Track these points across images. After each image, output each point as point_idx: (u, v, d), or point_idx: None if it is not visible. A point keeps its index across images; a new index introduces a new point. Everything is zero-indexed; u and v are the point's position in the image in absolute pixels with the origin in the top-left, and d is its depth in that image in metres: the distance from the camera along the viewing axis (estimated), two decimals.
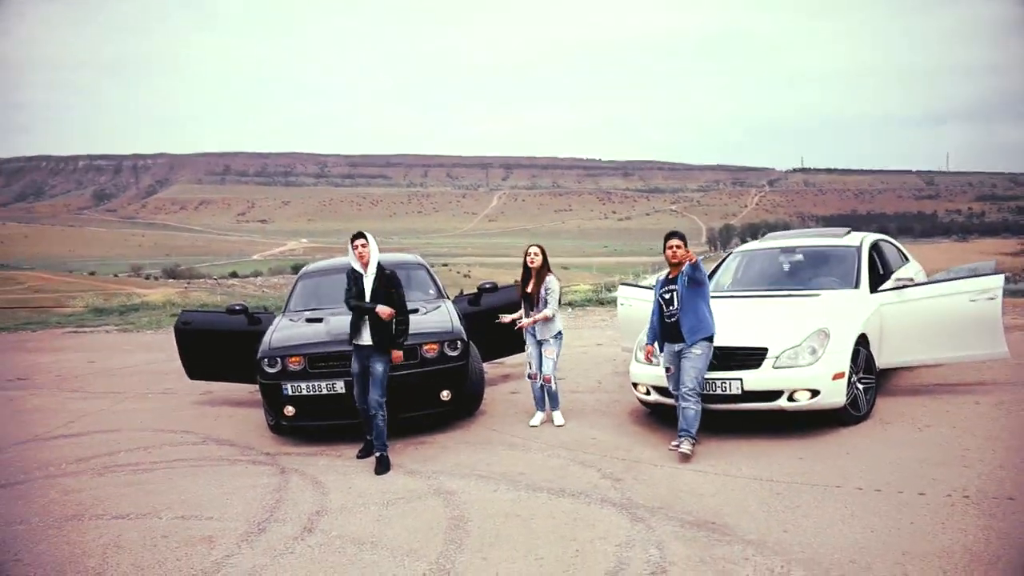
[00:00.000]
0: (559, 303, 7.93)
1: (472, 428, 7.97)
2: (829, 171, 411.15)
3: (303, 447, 7.57)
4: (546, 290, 7.79)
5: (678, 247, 6.68)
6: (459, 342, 7.72)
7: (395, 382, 7.19)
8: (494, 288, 9.50)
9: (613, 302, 17.57)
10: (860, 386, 7.21)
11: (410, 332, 7.38)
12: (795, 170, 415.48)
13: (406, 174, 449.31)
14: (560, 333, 7.91)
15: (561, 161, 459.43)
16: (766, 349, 6.86)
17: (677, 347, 6.71)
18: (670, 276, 6.82)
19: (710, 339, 6.68)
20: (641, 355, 7.54)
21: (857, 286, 8.08)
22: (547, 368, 7.83)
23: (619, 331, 10.09)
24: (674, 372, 6.80)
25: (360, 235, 7.04)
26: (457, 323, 7.99)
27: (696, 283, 6.62)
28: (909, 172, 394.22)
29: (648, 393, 7.47)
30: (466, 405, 8.21)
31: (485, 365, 9.45)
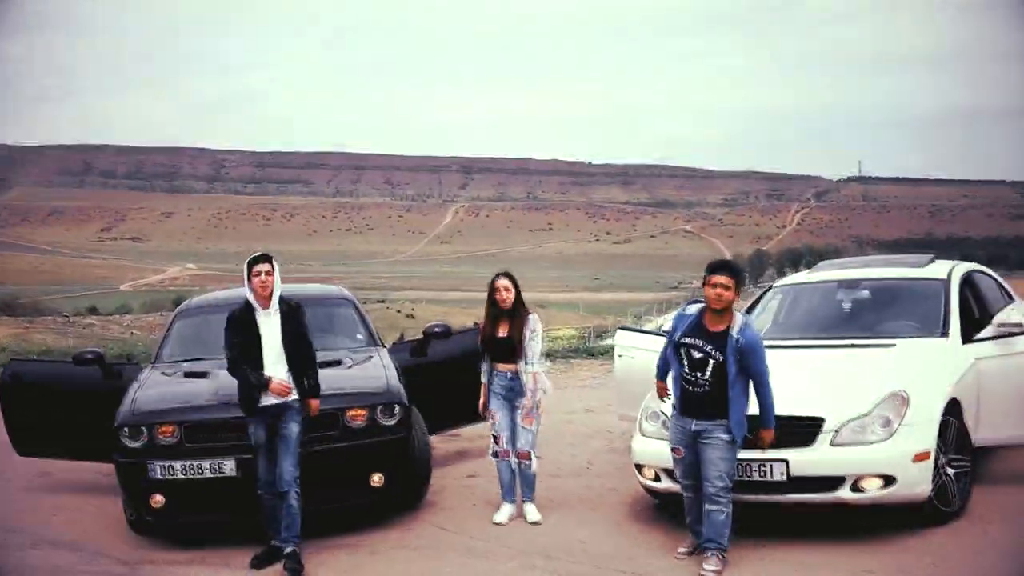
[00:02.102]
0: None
1: (414, 525, 7.89)
2: (896, 180, 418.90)
3: (175, 552, 7.44)
4: (531, 332, 7.78)
5: (726, 289, 6.40)
6: (397, 407, 7.71)
7: (309, 460, 7.13)
8: (446, 333, 9.44)
9: (606, 353, 17.55)
10: (950, 471, 7.13)
11: (332, 392, 7.44)
12: (850, 179, 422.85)
13: (331, 178, 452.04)
14: (545, 392, 7.91)
15: (539, 164, 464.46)
16: (822, 420, 6.81)
17: (695, 425, 6.51)
18: (707, 326, 6.50)
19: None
20: (649, 425, 7.46)
21: (945, 334, 8.06)
22: (525, 441, 7.78)
23: (617, 392, 9.97)
24: (685, 456, 6.64)
25: (263, 258, 7.10)
26: (395, 380, 7.99)
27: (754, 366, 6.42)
28: (1002, 183, 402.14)
29: (657, 479, 7.37)
30: (406, 493, 8.14)
31: (433, 438, 9.34)
